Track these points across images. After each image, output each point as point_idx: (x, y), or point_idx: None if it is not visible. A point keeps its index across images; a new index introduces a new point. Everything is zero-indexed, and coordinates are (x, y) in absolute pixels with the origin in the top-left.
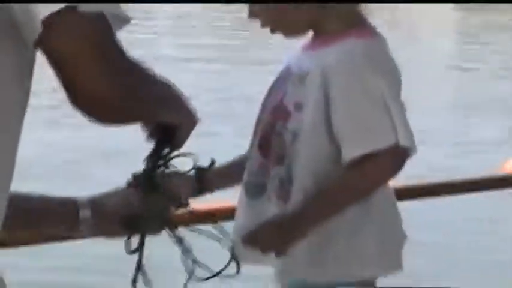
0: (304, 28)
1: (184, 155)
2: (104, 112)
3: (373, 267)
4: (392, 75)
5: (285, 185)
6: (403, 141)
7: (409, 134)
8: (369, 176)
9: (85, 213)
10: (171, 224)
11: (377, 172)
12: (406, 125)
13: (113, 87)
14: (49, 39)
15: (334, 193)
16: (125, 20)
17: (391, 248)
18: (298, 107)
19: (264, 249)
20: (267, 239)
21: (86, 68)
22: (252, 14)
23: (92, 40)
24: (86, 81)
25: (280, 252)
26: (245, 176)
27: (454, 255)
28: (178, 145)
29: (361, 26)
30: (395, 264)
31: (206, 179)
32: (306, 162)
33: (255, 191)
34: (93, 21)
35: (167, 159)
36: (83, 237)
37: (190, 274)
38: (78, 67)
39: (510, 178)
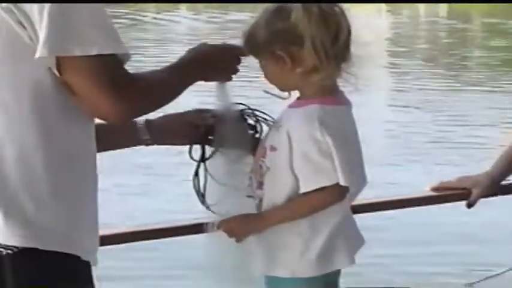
0: (290, 89)
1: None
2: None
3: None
4: (339, 133)
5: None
6: (342, 182)
7: (350, 175)
8: (314, 202)
9: (143, 131)
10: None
11: (320, 201)
12: (349, 169)
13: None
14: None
15: (288, 207)
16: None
17: (332, 253)
18: (272, 148)
19: (228, 233)
20: (232, 226)
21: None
22: (260, 68)
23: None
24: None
25: (238, 238)
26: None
27: None
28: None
29: (328, 94)
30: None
31: None
32: (273, 188)
33: None
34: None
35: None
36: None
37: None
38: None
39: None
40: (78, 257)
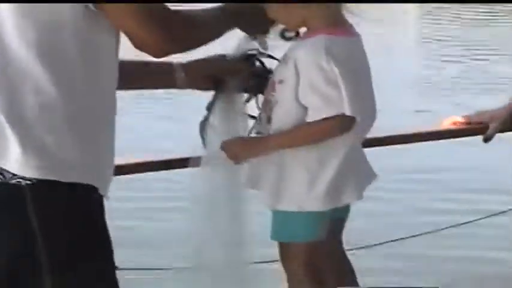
0: (298, 25)
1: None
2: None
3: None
4: (347, 64)
5: None
6: (348, 112)
7: (357, 106)
8: (318, 131)
9: (179, 74)
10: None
11: (324, 130)
12: (356, 100)
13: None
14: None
15: (291, 133)
16: None
17: (340, 187)
18: (280, 82)
19: (228, 154)
20: (231, 147)
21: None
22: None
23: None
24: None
25: (238, 159)
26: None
27: None
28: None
29: (336, 26)
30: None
31: None
32: (281, 121)
33: None
34: None
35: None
36: (178, 88)
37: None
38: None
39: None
40: (95, 189)
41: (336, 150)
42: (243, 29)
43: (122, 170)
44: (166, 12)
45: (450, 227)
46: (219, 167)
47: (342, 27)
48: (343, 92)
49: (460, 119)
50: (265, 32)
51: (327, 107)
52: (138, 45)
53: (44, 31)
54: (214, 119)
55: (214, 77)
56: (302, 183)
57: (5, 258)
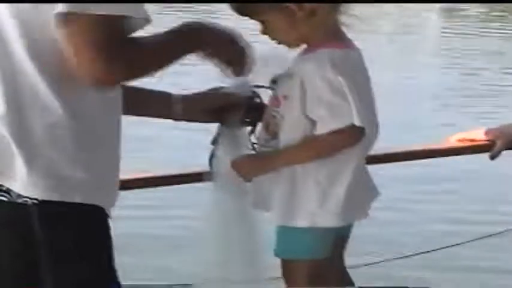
0: (297, 41)
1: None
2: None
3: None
4: (351, 75)
5: None
6: (357, 122)
7: (365, 117)
8: (328, 143)
9: (177, 107)
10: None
11: (334, 142)
12: (363, 111)
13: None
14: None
15: (300, 147)
16: (147, 21)
17: (352, 203)
18: (286, 97)
19: (238, 171)
20: (241, 165)
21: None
22: (262, 31)
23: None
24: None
25: (247, 176)
26: (257, 145)
27: None
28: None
29: (336, 40)
30: (352, 216)
31: None
32: (289, 136)
33: None
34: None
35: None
36: (174, 120)
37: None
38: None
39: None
40: (101, 209)
41: (346, 166)
42: (206, 54)
43: (136, 184)
44: (121, 41)
45: (483, 237)
46: (229, 186)
47: (341, 41)
48: (351, 102)
49: (466, 136)
50: (240, 66)
51: (335, 118)
52: (82, 73)
53: (50, 51)
54: (221, 153)
55: (213, 110)
56: (314, 199)
57: (11, 280)
